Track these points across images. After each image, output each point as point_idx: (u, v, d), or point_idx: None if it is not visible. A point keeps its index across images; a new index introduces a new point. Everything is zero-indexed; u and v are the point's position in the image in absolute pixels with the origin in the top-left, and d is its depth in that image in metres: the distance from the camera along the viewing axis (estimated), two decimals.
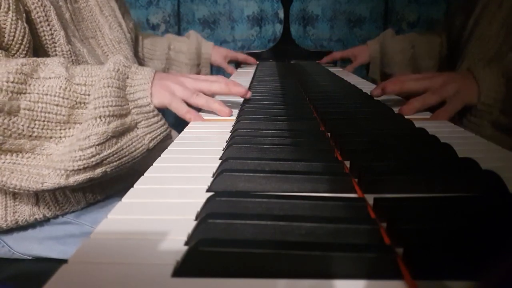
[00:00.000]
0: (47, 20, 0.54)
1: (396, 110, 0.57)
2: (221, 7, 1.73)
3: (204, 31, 1.74)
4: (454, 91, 0.57)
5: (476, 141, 0.44)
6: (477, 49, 0.75)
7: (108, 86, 0.47)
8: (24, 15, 0.51)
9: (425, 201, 0.28)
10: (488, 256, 0.20)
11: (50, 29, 0.55)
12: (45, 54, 0.55)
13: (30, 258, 0.59)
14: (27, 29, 0.49)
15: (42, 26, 0.54)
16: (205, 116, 0.57)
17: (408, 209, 0.26)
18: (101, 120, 0.46)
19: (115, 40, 0.74)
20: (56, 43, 0.56)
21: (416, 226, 0.23)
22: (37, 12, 0.53)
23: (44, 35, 0.55)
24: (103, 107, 0.46)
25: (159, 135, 0.54)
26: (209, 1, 1.72)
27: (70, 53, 0.58)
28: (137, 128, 0.52)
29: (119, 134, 0.48)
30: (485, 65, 0.69)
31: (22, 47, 0.49)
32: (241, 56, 1.22)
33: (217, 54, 1.13)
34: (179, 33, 1.73)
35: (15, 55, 0.48)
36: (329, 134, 0.45)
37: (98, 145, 0.46)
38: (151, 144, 0.53)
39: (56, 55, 0.56)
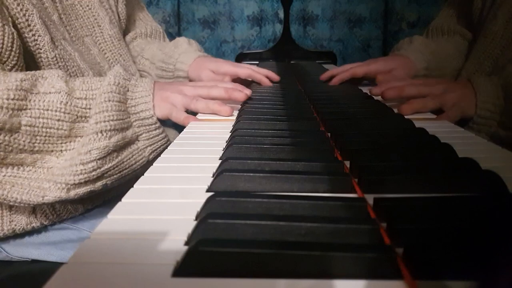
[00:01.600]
0: (28, 25, 0.51)
1: (396, 110, 0.57)
2: (221, 7, 1.73)
3: (204, 31, 1.75)
4: (453, 100, 0.57)
5: (476, 141, 0.44)
6: (482, 46, 0.73)
7: (109, 101, 0.47)
8: (10, 19, 0.49)
9: (425, 201, 0.28)
10: (488, 256, 0.20)
11: (33, 35, 0.52)
12: (31, 60, 0.53)
13: (30, 260, 0.59)
14: (15, 34, 0.48)
15: (24, 33, 0.51)
16: (205, 116, 0.57)
17: (408, 209, 0.26)
18: (102, 135, 0.46)
19: (114, 37, 0.72)
20: (41, 49, 0.53)
21: (416, 226, 0.23)
22: (17, 18, 0.50)
23: (27, 42, 0.52)
24: (104, 121, 0.46)
25: (159, 147, 0.55)
26: (209, 1, 1.73)
27: (57, 59, 0.55)
28: (138, 141, 0.52)
29: (120, 147, 0.49)
30: (485, 75, 0.68)
31: (13, 53, 0.47)
32: (239, 71, 0.76)
33: (201, 72, 0.77)
34: (179, 33, 1.73)
35: (6, 63, 0.47)
36: (329, 134, 0.45)
37: (99, 159, 0.46)
38: (151, 156, 0.54)
39: (41, 62, 0.53)
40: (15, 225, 0.54)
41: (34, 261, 0.58)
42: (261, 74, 0.77)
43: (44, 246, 0.58)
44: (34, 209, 0.55)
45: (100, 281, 0.20)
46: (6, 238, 0.56)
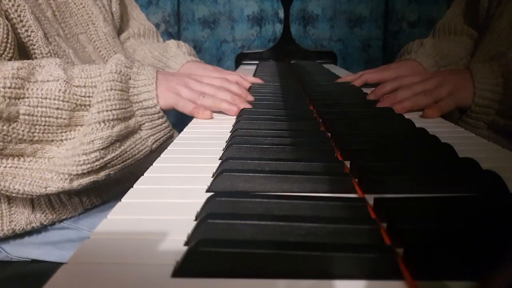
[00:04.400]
0: (21, 21, 0.51)
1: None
2: (221, 7, 1.73)
3: (204, 31, 1.74)
4: (447, 92, 0.56)
5: (476, 141, 0.44)
6: (487, 44, 0.72)
7: (111, 89, 0.46)
8: (3, 12, 0.49)
9: (425, 201, 0.28)
10: (489, 256, 0.20)
11: (26, 31, 0.51)
12: (25, 56, 0.52)
13: (30, 260, 0.59)
14: (9, 26, 0.47)
15: (17, 28, 0.51)
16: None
17: (408, 209, 0.26)
18: (105, 124, 0.45)
19: (109, 35, 0.71)
20: (34, 45, 0.52)
21: (416, 226, 0.23)
22: (10, 14, 0.50)
23: (20, 37, 0.51)
24: (107, 111, 0.46)
25: (162, 136, 0.54)
26: (209, 0, 1.73)
27: (51, 55, 0.54)
28: (141, 130, 0.51)
29: (123, 137, 0.48)
30: (485, 62, 0.67)
31: (9, 45, 0.46)
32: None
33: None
34: (179, 33, 1.73)
35: (3, 55, 0.46)
36: (329, 134, 0.45)
37: (102, 149, 0.46)
38: (154, 146, 0.53)
39: (35, 58, 0.53)
40: (15, 225, 0.54)
41: (34, 261, 0.58)
42: (248, 81, 0.77)
43: (44, 246, 0.58)
44: (33, 209, 0.55)
45: (100, 281, 0.20)
46: (6, 238, 0.56)
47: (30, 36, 0.52)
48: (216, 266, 0.20)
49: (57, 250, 0.58)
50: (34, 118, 0.43)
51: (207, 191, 0.31)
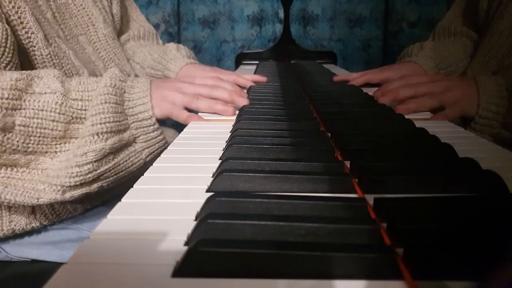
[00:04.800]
0: (21, 23, 0.51)
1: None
2: (221, 7, 1.73)
3: (204, 30, 1.75)
4: (454, 98, 0.56)
5: (476, 141, 0.44)
6: (488, 45, 0.72)
7: (106, 103, 0.47)
8: (3, 16, 0.49)
9: (425, 201, 0.28)
10: (488, 256, 0.20)
11: (26, 33, 0.51)
12: (25, 58, 0.52)
13: (30, 260, 0.59)
14: (9, 31, 0.47)
15: (17, 30, 0.50)
16: (205, 116, 0.57)
17: (408, 209, 0.26)
18: (99, 137, 0.46)
19: (109, 36, 0.71)
20: (34, 46, 0.52)
21: (416, 226, 0.23)
22: (10, 16, 0.50)
23: (20, 39, 0.51)
24: (101, 123, 0.46)
25: (157, 149, 0.54)
26: (209, 0, 1.73)
27: (51, 56, 0.54)
28: (135, 143, 0.52)
29: (116, 150, 0.49)
30: (491, 74, 0.67)
31: (7, 50, 0.46)
32: (224, 79, 0.72)
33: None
34: (179, 33, 1.73)
35: (1, 60, 0.46)
36: (329, 134, 0.45)
37: (95, 161, 0.46)
38: (148, 158, 0.53)
39: (35, 59, 0.53)
40: (15, 225, 0.54)
41: (34, 261, 0.58)
42: (246, 79, 0.77)
43: (44, 246, 0.58)
44: (33, 210, 0.55)
45: (100, 281, 0.20)
46: (5, 238, 0.56)
47: (30, 38, 0.52)
48: (216, 266, 0.20)
49: (57, 250, 0.58)
50: (30, 129, 0.44)
51: (207, 191, 0.31)
